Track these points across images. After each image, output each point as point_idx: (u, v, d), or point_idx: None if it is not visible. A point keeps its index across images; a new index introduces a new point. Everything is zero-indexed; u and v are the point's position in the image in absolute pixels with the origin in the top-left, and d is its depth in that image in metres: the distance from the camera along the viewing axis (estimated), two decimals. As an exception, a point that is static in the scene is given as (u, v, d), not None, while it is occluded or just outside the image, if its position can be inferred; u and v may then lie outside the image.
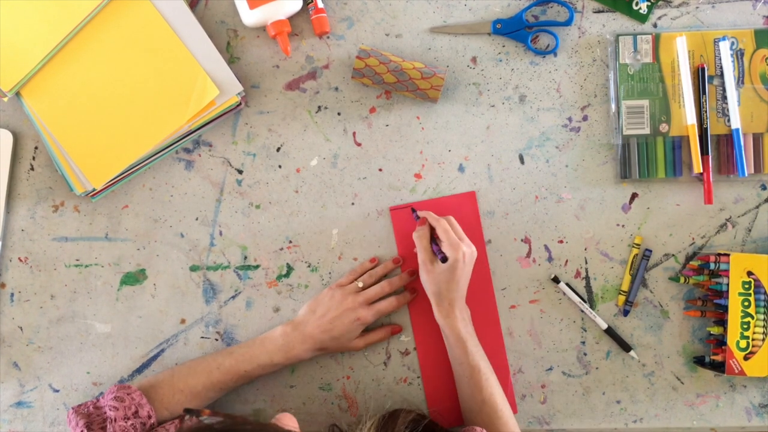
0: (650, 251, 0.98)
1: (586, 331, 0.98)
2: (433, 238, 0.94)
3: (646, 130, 0.98)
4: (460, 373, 0.92)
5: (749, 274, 0.93)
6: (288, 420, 0.75)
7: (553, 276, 0.98)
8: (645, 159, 0.97)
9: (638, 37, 0.98)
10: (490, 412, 0.89)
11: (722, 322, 0.94)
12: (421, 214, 0.95)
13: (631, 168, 0.97)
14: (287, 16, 0.97)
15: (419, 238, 0.93)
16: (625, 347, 0.97)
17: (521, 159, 0.99)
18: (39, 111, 0.96)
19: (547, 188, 0.99)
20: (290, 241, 0.99)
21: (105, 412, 0.85)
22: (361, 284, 0.95)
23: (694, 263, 0.97)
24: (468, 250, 0.91)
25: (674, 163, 0.97)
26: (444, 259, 0.90)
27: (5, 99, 0.96)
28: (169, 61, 0.96)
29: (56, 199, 0.99)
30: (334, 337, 0.93)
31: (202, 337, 0.99)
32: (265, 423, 0.71)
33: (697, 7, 0.99)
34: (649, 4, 0.99)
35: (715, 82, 0.97)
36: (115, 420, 0.84)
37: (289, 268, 0.99)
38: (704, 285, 0.96)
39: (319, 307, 0.94)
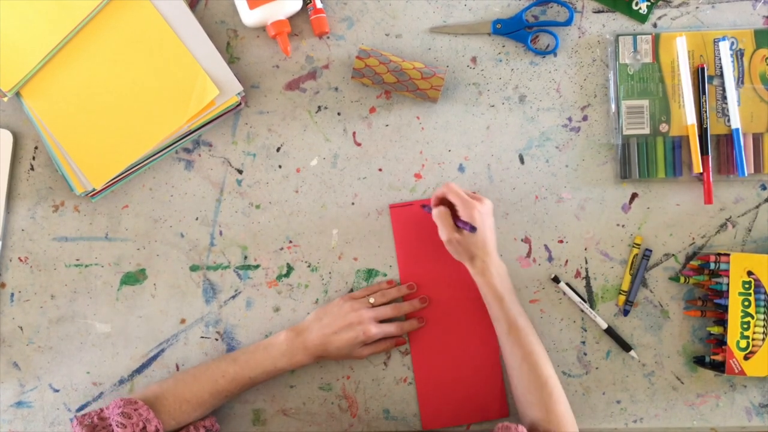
0: (650, 251, 0.98)
1: (586, 330, 0.98)
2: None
3: (646, 130, 0.98)
4: (498, 330, 0.92)
5: (749, 273, 0.93)
6: None
7: (553, 276, 0.98)
8: (645, 159, 0.97)
9: (638, 37, 0.98)
10: (528, 369, 0.89)
11: (722, 322, 0.94)
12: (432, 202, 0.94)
13: (631, 168, 0.97)
14: (287, 16, 0.97)
15: (442, 217, 0.91)
16: (625, 347, 0.97)
17: (521, 159, 0.99)
18: (39, 111, 0.96)
19: (547, 188, 0.99)
20: (290, 241, 0.99)
21: (110, 426, 0.85)
22: (372, 300, 0.95)
23: (695, 263, 0.97)
24: (483, 207, 0.90)
25: (674, 163, 0.97)
26: (473, 229, 0.88)
27: (5, 99, 0.96)
28: (168, 61, 0.96)
29: (56, 199, 0.99)
30: (336, 347, 0.92)
31: (202, 337, 0.99)
32: None
33: (696, 7, 0.99)
34: (649, 4, 0.99)
35: (715, 82, 0.97)
36: None
37: (290, 268, 0.99)
38: (704, 285, 0.96)
39: (326, 315, 0.94)
